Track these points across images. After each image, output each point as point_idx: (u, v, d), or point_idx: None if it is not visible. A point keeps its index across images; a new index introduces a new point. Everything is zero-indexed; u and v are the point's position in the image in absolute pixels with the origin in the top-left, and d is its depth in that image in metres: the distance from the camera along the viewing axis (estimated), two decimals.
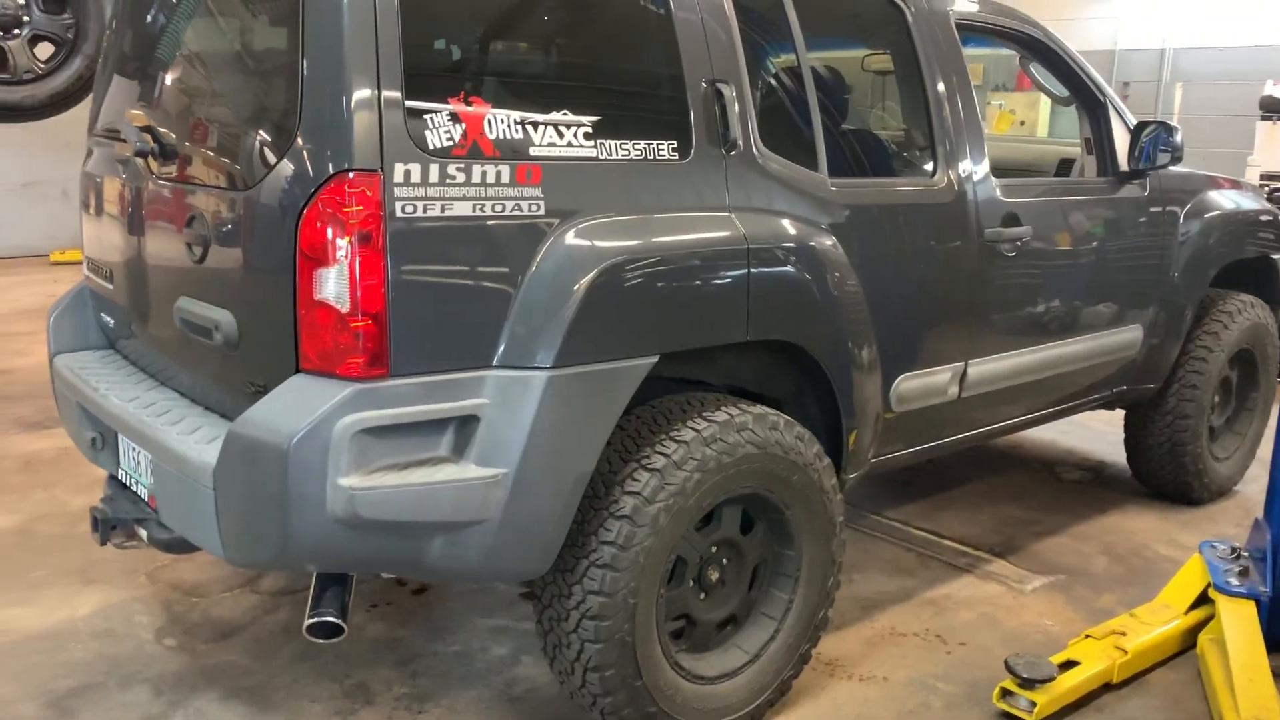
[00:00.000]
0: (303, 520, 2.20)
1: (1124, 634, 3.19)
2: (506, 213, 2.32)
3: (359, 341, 2.19)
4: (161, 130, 2.71)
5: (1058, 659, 3.05)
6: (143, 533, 2.72)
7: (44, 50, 7.31)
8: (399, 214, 2.19)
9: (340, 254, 2.17)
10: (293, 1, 2.24)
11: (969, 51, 3.49)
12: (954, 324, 3.39)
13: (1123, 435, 4.62)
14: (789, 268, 2.76)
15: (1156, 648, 3.23)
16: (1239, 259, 4.44)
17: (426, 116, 2.23)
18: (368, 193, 2.16)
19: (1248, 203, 4.53)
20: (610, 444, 2.51)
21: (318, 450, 2.16)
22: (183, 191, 2.63)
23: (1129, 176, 3.99)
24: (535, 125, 2.37)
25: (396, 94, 2.19)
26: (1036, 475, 4.98)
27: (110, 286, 3.08)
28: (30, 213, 10.29)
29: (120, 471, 2.82)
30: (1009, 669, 2.95)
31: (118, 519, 2.75)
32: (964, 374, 3.43)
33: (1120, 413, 4.59)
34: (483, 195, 2.28)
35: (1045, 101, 12.32)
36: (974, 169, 3.37)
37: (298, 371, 2.27)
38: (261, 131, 2.42)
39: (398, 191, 2.19)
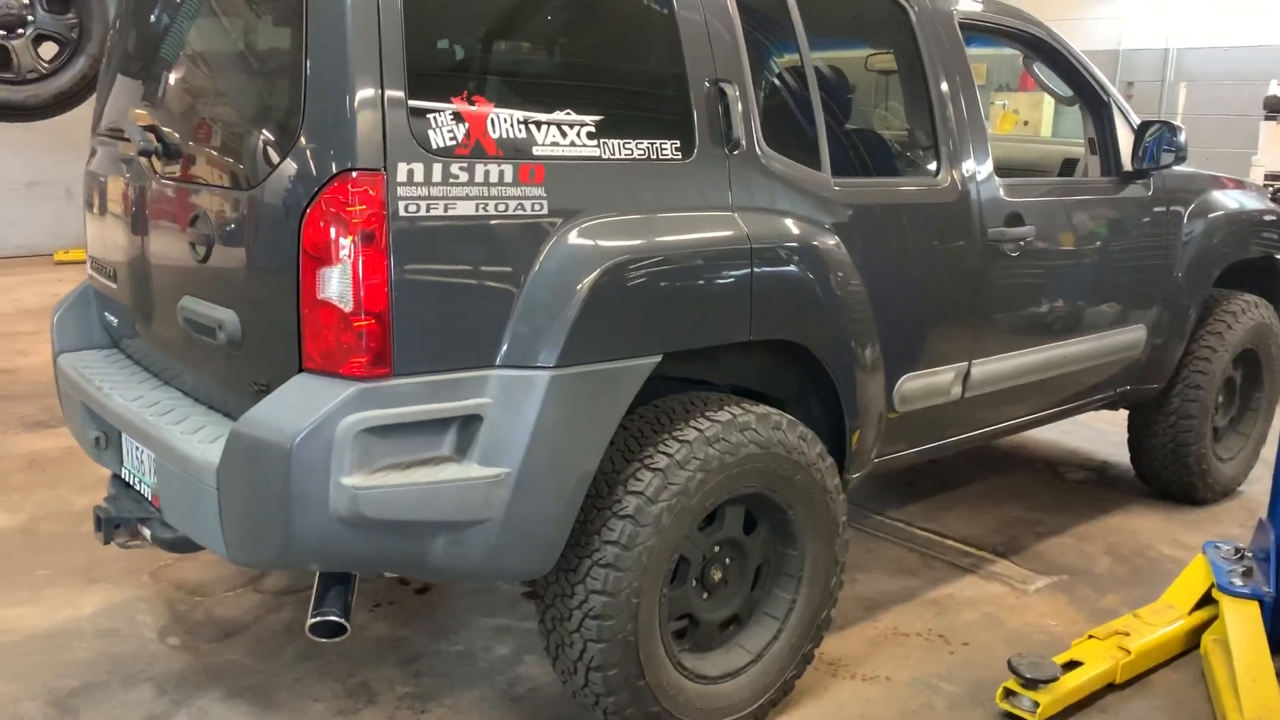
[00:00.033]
0: (306, 519, 2.21)
1: (1127, 634, 3.19)
2: (510, 212, 2.32)
3: (362, 341, 2.19)
4: (165, 129, 2.71)
5: (1061, 659, 3.05)
6: (146, 532, 2.73)
7: (48, 50, 7.33)
8: (402, 213, 2.19)
9: (343, 253, 2.18)
10: (296, 1, 2.25)
11: (972, 51, 3.49)
12: (957, 324, 3.39)
13: (1126, 435, 4.61)
14: (792, 267, 2.76)
15: (1160, 648, 3.23)
16: (1243, 259, 4.43)
17: (430, 116, 2.23)
18: (371, 192, 2.16)
19: (1252, 203, 4.52)
20: (613, 443, 2.51)
21: (321, 449, 2.16)
22: (186, 191, 2.64)
23: (1133, 176, 3.99)
24: (538, 125, 2.37)
25: (400, 93, 2.19)
26: (1040, 475, 4.97)
27: (114, 286, 3.08)
28: (34, 212, 10.30)
29: (124, 471, 2.82)
30: (1012, 669, 2.95)
31: (121, 518, 2.76)
32: (967, 374, 3.43)
33: (1124, 413, 4.58)
34: (486, 195, 2.28)
35: (1049, 101, 12.32)
36: (977, 169, 3.37)
37: (301, 371, 2.27)
38: (265, 131, 2.42)
39: (401, 191, 2.19)
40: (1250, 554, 3.45)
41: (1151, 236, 4.06)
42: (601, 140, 2.47)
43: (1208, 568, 3.43)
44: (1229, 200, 4.38)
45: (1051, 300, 3.70)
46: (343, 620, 2.42)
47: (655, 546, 2.50)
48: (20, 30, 7.12)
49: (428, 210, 2.22)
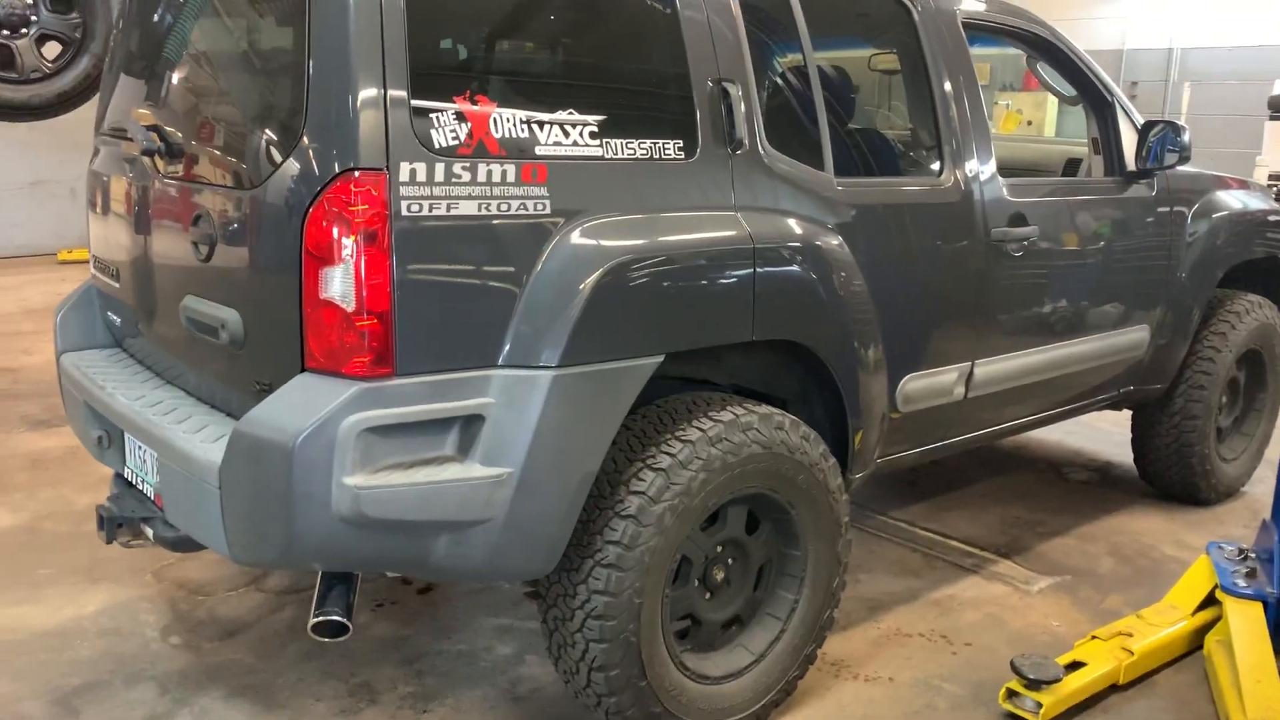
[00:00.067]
0: (308, 519, 2.21)
1: (1130, 635, 3.18)
2: (512, 212, 2.32)
3: (364, 340, 2.19)
4: (168, 129, 2.71)
5: (1064, 660, 3.05)
6: (149, 531, 2.73)
7: (52, 49, 7.34)
8: (404, 213, 2.19)
9: (346, 253, 2.18)
10: (299, 1, 2.25)
11: (976, 51, 3.49)
12: (960, 324, 3.39)
13: (1129, 436, 4.61)
14: (795, 267, 2.76)
15: (1163, 649, 3.22)
16: (1247, 259, 4.42)
17: (432, 115, 2.23)
18: (373, 192, 2.16)
19: (1256, 203, 4.51)
20: (615, 443, 2.50)
21: (323, 449, 2.16)
22: (189, 190, 2.64)
23: (1136, 176, 3.98)
24: (541, 124, 2.37)
25: (402, 93, 2.19)
26: (1043, 476, 4.96)
27: (117, 285, 3.09)
28: (38, 212, 10.31)
29: (126, 470, 2.82)
30: (1015, 670, 2.94)
31: (124, 517, 2.76)
32: (970, 374, 3.42)
33: (1127, 413, 4.58)
34: (488, 194, 2.28)
35: (1052, 101, 12.31)
36: (981, 169, 3.36)
37: (303, 370, 2.27)
38: (267, 130, 2.42)
39: (403, 190, 2.19)
40: (1254, 555, 3.44)
41: (1155, 237, 4.05)
42: (604, 140, 2.47)
43: (1211, 568, 3.42)
44: (1233, 200, 4.37)
45: (1055, 300, 3.69)
46: (345, 620, 2.42)
47: (658, 546, 2.50)
48: (24, 30, 7.14)
49: (430, 210, 2.22)
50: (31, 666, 3.09)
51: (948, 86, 3.33)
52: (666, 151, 2.58)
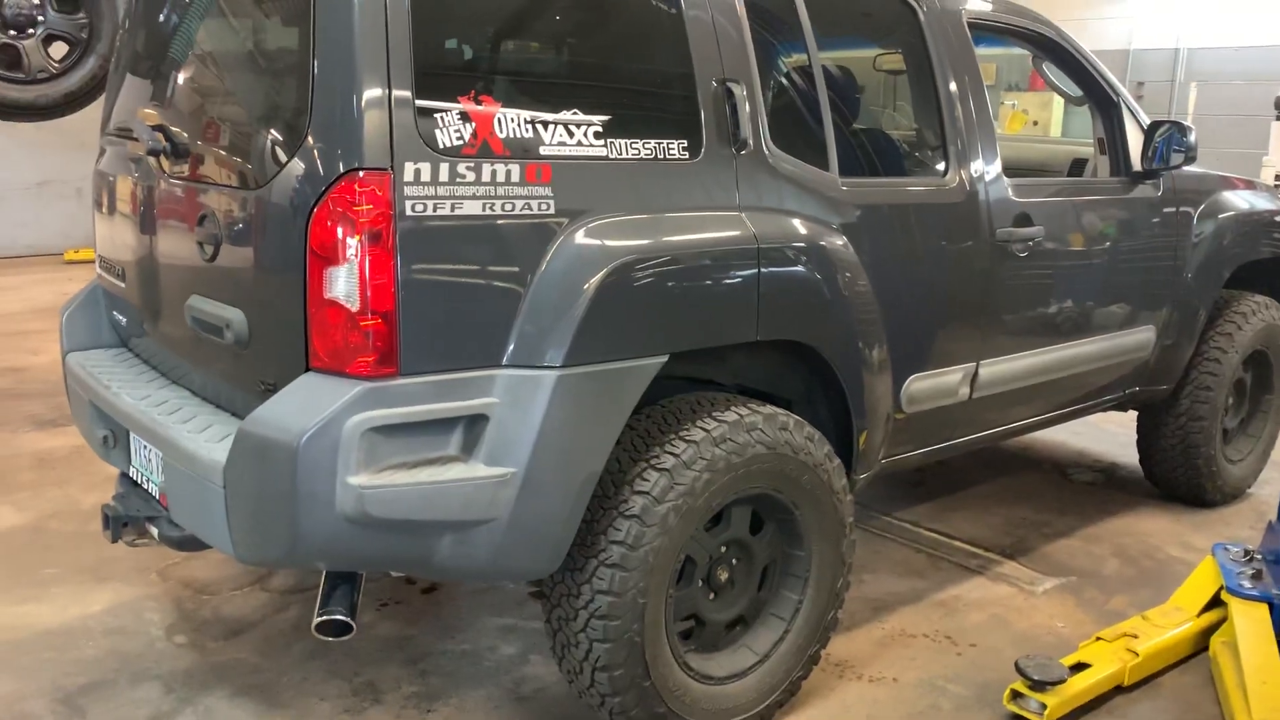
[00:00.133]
0: (312, 518, 2.21)
1: (1135, 636, 3.17)
2: (516, 212, 2.32)
3: (369, 340, 2.20)
4: (173, 129, 2.72)
5: (1068, 661, 3.04)
6: (154, 530, 2.73)
7: (58, 50, 7.36)
8: (409, 213, 2.19)
9: (350, 253, 2.18)
10: (304, 1, 2.25)
11: (981, 51, 3.48)
12: (965, 324, 3.38)
13: (1135, 437, 4.59)
14: (799, 267, 2.75)
15: (1168, 650, 3.21)
16: (1253, 260, 4.41)
17: (437, 115, 2.23)
18: (378, 192, 2.16)
19: (1262, 203, 4.50)
20: (620, 443, 2.50)
21: (327, 449, 2.17)
22: (194, 190, 2.64)
23: (1142, 177, 3.97)
24: (545, 124, 2.37)
25: (407, 93, 2.19)
26: (1048, 477, 4.96)
27: (122, 285, 3.09)
28: (45, 212, 10.34)
29: (132, 469, 2.83)
30: (1019, 671, 2.94)
31: (129, 517, 2.76)
32: (975, 375, 3.42)
33: (1133, 414, 4.57)
34: (493, 194, 2.28)
35: (1058, 101, 12.29)
36: (986, 169, 3.36)
37: (308, 370, 2.27)
38: (272, 130, 2.42)
39: (408, 190, 2.19)
40: (1260, 556, 3.43)
41: (1161, 237, 4.04)
42: (608, 140, 2.47)
43: (1217, 570, 3.42)
44: (1239, 201, 4.36)
45: (1060, 301, 3.68)
46: (349, 619, 2.42)
47: (661, 547, 2.50)
48: (31, 30, 7.16)
49: (434, 210, 2.22)
50: (37, 665, 3.10)
51: (953, 86, 3.33)
52: (671, 151, 2.58)
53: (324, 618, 2.41)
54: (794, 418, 2.77)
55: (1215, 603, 3.36)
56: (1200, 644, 3.30)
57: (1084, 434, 5.41)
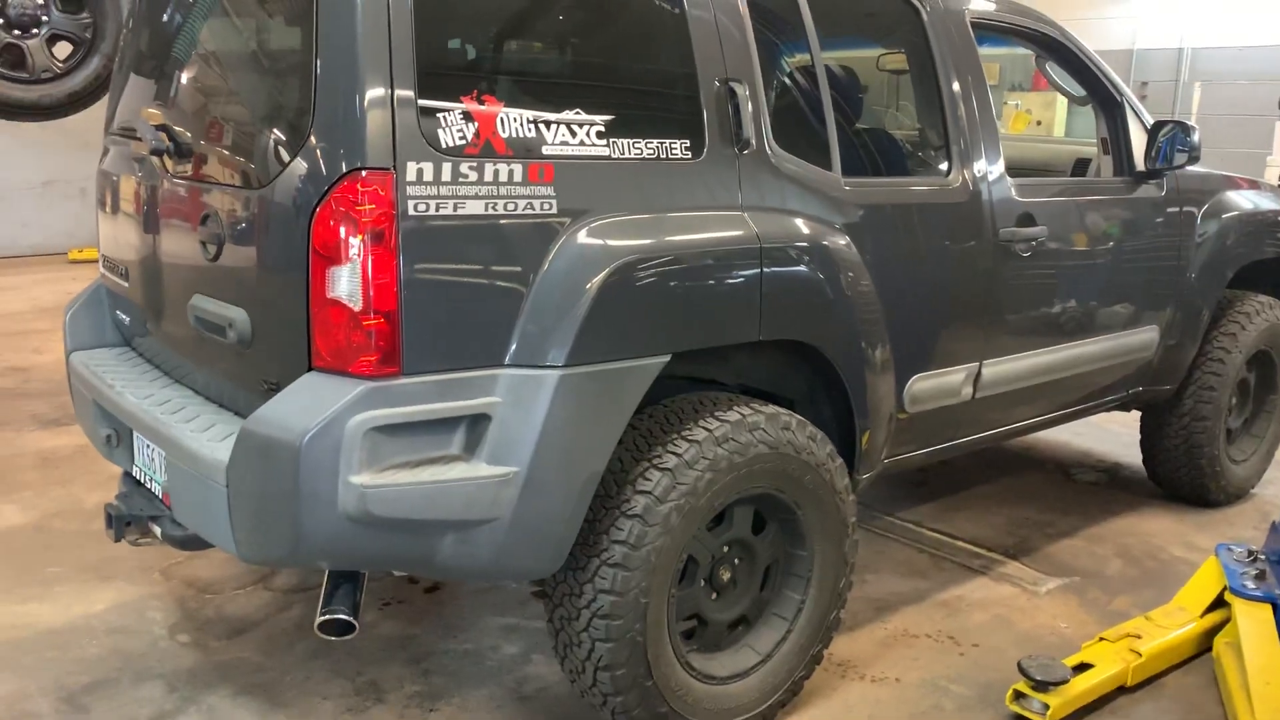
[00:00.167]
0: (314, 518, 2.21)
1: (1139, 637, 3.17)
2: (519, 211, 2.32)
3: (371, 340, 2.20)
4: (177, 129, 2.72)
5: (1071, 661, 3.04)
6: (157, 529, 2.74)
7: (62, 50, 7.37)
8: (411, 212, 2.19)
9: (353, 252, 2.18)
10: (307, 1, 2.25)
11: (985, 50, 3.48)
12: (968, 324, 3.38)
13: (1138, 437, 4.59)
14: (802, 267, 2.75)
15: (1171, 651, 3.21)
16: (1257, 259, 4.40)
17: (439, 115, 2.23)
18: (380, 191, 2.17)
19: (1266, 203, 4.49)
20: (622, 443, 2.50)
21: (330, 448, 2.17)
22: (197, 190, 2.65)
23: (1146, 176, 3.97)
24: (548, 124, 2.37)
25: (409, 93, 2.19)
26: (1051, 477, 4.95)
27: (126, 284, 3.10)
28: (49, 212, 10.35)
29: (135, 468, 2.83)
30: (1022, 671, 2.94)
31: (132, 516, 2.77)
32: (978, 374, 3.41)
33: (1136, 414, 4.56)
34: (495, 194, 2.29)
35: (1061, 101, 12.27)
36: (989, 169, 3.35)
37: (310, 369, 2.28)
38: (275, 130, 2.42)
39: (410, 190, 2.19)
40: (1263, 556, 3.43)
41: (1164, 237, 4.04)
42: (611, 140, 2.47)
43: (1220, 570, 3.41)
44: (1243, 200, 4.36)
45: (1063, 301, 3.68)
46: (351, 618, 2.42)
47: (664, 546, 2.50)
48: (35, 30, 7.18)
49: (437, 209, 2.22)
50: (40, 664, 3.11)
51: (956, 86, 3.33)
52: (673, 151, 2.58)
53: (326, 617, 2.41)
54: (796, 417, 2.77)
55: (1219, 603, 3.35)
56: (1204, 645, 3.30)
57: (1087, 434, 5.41)
